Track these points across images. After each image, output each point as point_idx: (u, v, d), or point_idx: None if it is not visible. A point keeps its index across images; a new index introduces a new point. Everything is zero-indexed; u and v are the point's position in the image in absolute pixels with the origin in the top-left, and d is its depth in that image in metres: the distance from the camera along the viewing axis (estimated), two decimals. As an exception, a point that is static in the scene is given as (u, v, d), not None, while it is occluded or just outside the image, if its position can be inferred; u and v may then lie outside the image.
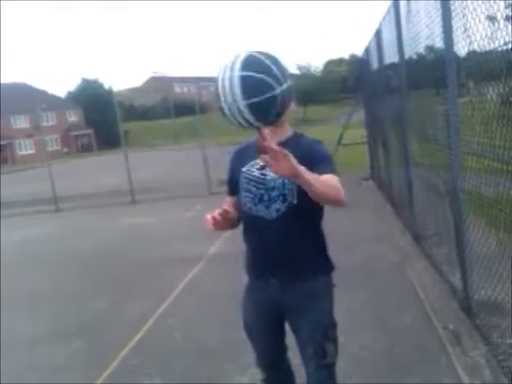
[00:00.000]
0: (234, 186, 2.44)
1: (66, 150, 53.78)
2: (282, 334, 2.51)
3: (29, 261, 8.11)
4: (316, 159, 2.15)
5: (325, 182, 1.98)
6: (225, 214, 2.19)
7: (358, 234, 7.08)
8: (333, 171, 2.13)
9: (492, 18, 2.70)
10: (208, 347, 4.12)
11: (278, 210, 2.25)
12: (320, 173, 2.01)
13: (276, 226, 2.26)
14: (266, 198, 2.26)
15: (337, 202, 2.03)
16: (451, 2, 3.41)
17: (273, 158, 1.73)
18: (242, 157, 2.43)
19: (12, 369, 4.20)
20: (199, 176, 13.03)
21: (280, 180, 2.22)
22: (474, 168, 3.43)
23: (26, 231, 10.81)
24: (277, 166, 1.75)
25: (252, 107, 1.80)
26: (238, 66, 1.82)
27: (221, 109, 1.86)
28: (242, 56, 1.86)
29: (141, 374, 3.85)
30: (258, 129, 1.81)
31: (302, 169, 1.83)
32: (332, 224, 7.80)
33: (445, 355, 3.47)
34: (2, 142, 51.42)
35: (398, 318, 4.18)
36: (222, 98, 1.82)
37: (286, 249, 2.30)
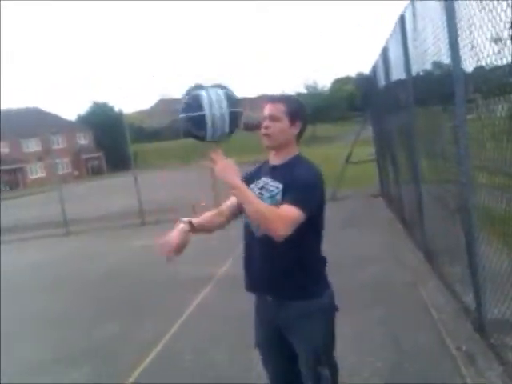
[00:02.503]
0: None
1: (76, 173, 54.14)
2: (290, 353, 2.45)
3: (38, 285, 8.11)
4: (292, 184, 2.23)
5: (261, 211, 2.13)
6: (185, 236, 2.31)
7: (369, 253, 7.01)
8: (296, 203, 2.16)
9: (497, 40, 2.70)
10: (218, 370, 4.07)
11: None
12: (285, 200, 2.19)
13: (260, 243, 2.31)
14: None
15: (270, 233, 2.14)
16: (457, 20, 3.41)
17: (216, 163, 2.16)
18: (255, 173, 2.51)
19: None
20: (207, 196, 12.99)
21: (269, 200, 2.28)
22: (485, 184, 3.39)
23: (36, 255, 10.83)
24: (218, 169, 2.16)
25: (232, 115, 2.20)
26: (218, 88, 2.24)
27: (198, 117, 2.16)
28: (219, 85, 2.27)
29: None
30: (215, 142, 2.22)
31: (242, 188, 2.15)
32: (342, 242, 7.78)
33: (459, 376, 3.40)
34: (14, 166, 51.96)
35: (411, 339, 4.11)
36: (208, 107, 2.16)
37: (271, 267, 2.32)
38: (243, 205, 2.20)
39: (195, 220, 2.41)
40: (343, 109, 60.37)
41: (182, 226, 2.33)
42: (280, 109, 2.32)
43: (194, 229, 2.36)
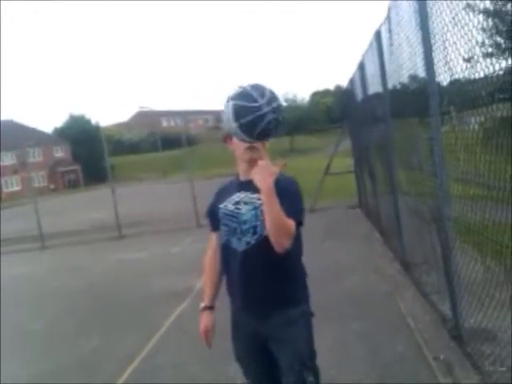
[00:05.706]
0: (214, 221, 2.56)
1: (52, 186, 53.44)
2: (272, 364, 2.47)
3: (15, 300, 7.97)
4: (286, 200, 2.24)
5: (282, 224, 2.14)
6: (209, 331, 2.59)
7: (347, 264, 7.06)
8: (295, 216, 2.22)
9: (470, 58, 2.78)
10: (198, 384, 4.05)
11: (248, 243, 2.36)
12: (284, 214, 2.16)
13: (246, 257, 2.36)
14: (238, 230, 2.38)
15: (277, 245, 2.17)
16: (431, 36, 3.50)
17: (261, 169, 2.12)
18: (222, 194, 2.55)
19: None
20: (186, 209, 12.97)
21: (253, 212, 2.34)
22: (459, 195, 3.45)
23: (12, 270, 10.62)
24: (260, 176, 2.11)
25: (242, 127, 2.12)
26: (230, 96, 2.16)
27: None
28: (234, 89, 2.18)
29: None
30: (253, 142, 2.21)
31: (271, 194, 2.10)
32: (320, 253, 7.79)
33: (437, 386, 3.44)
34: (-12, 180, 51.10)
35: (389, 349, 4.14)
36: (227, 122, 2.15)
37: (256, 280, 2.37)
38: (266, 209, 2.15)
39: (207, 297, 2.59)
40: (321, 121, 60.83)
41: (203, 314, 2.59)
42: None
43: (213, 304, 2.59)
